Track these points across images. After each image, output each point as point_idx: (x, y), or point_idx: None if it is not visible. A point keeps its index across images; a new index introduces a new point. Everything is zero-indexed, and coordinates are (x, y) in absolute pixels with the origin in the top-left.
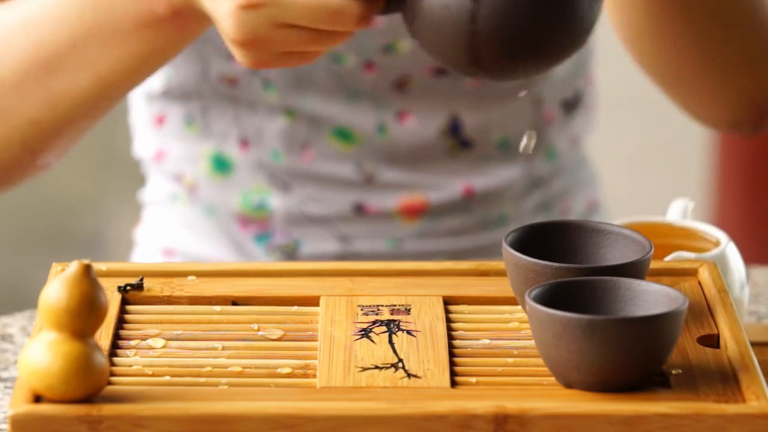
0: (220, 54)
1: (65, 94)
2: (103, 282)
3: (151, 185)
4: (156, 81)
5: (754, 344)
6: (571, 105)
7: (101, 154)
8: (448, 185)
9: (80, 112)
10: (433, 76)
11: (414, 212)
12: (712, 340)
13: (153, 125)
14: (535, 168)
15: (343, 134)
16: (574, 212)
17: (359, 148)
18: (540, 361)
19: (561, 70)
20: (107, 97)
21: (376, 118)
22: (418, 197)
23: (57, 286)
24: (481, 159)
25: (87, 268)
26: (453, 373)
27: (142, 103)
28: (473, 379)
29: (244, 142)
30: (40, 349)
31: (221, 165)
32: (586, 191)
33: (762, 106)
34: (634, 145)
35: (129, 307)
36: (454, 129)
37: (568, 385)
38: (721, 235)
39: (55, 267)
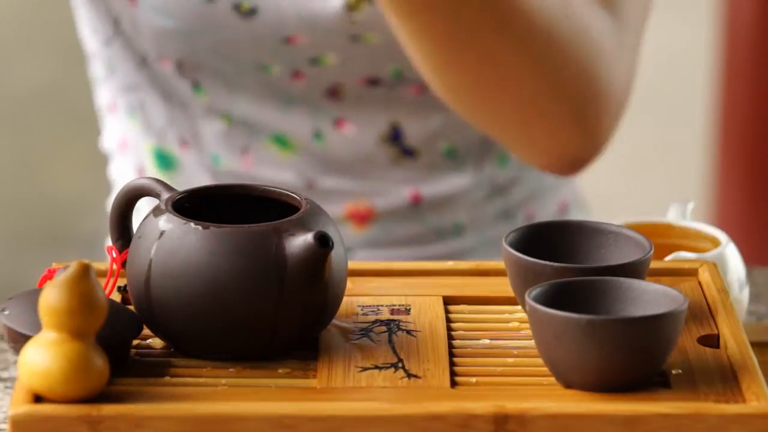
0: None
1: None
2: (103, 282)
3: (117, 176)
4: (98, 68)
5: (754, 344)
6: None
7: (101, 155)
8: (394, 192)
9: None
10: (366, 86)
11: (361, 219)
12: (712, 340)
13: (107, 111)
14: (489, 176)
15: (281, 141)
16: (541, 217)
17: (298, 154)
18: (540, 361)
19: None
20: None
21: (312, 125)
22: (363, 204)
23: (57, 286)
24: (429, 167)
25: (87, 268)
26: (453, 373)
27: (99, 88)
28: (473, 379)
29: (183, 142)
30: (40, 349)
31: (165, 161)
32: (556, 194)
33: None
34: (634, 145)
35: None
36: (395, 137)
37: (568, 385)
38: (721, 235)
39: (55, 267)
